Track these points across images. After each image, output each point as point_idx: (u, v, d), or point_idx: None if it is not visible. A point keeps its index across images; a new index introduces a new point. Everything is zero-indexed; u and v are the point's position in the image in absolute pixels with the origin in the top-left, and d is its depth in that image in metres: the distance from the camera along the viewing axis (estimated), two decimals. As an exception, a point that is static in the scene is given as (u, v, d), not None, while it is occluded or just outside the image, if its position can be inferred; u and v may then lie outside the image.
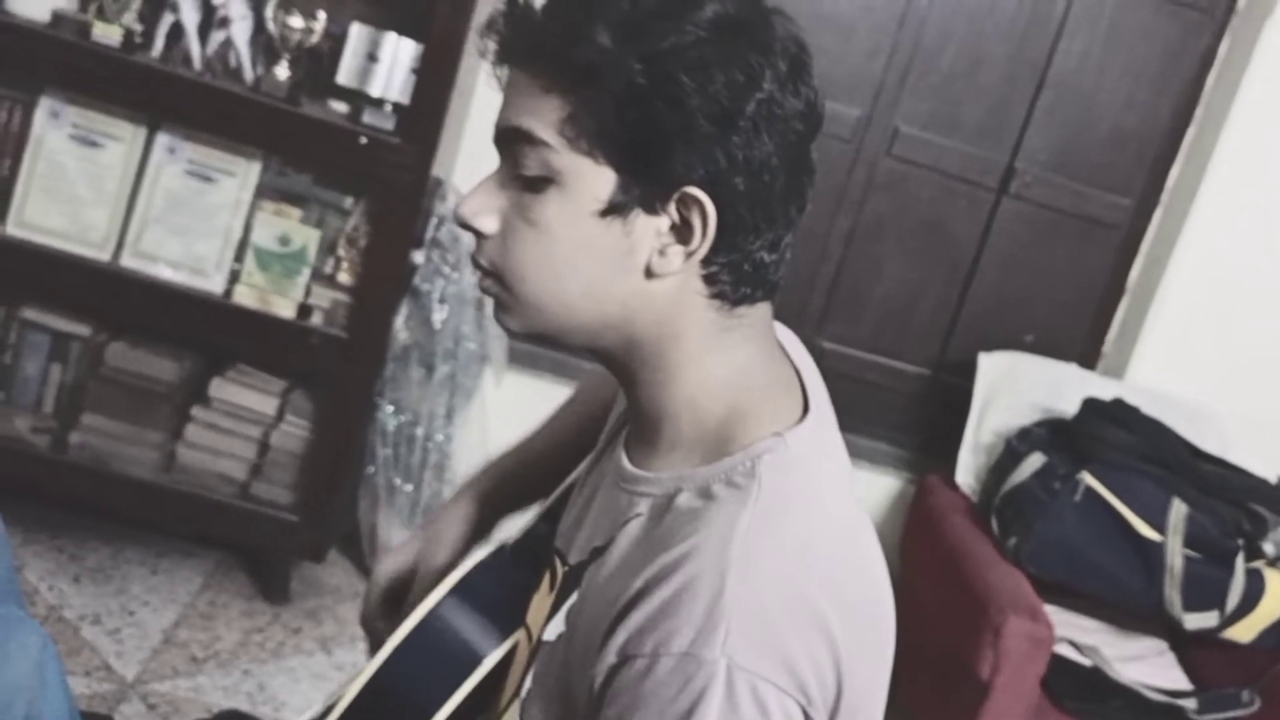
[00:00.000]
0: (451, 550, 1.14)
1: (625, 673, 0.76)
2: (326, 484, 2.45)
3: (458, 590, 0.99)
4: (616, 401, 1.06)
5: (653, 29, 0.78)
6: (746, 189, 0.80)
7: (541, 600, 0.96)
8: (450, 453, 2.65)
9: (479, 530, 1.17)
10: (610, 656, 0.77)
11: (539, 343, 0.83)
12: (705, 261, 0.82)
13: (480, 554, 1.05)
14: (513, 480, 1.20)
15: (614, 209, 0.81)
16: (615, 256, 0.82)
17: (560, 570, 0.94)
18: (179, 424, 2.44)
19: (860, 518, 0.88)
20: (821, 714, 0.77)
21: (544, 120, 0.80)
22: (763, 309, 0.88)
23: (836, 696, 0.78)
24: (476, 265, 0.87)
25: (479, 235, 0.86)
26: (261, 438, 2.45)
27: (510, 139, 0.83)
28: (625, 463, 0.90)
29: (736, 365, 0.86)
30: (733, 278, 0.83)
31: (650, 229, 0.81)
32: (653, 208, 0.81)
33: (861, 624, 0.81)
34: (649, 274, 0.82)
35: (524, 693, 0.89)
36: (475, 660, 0.95)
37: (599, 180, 0.80)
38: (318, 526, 2.45)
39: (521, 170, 0.82)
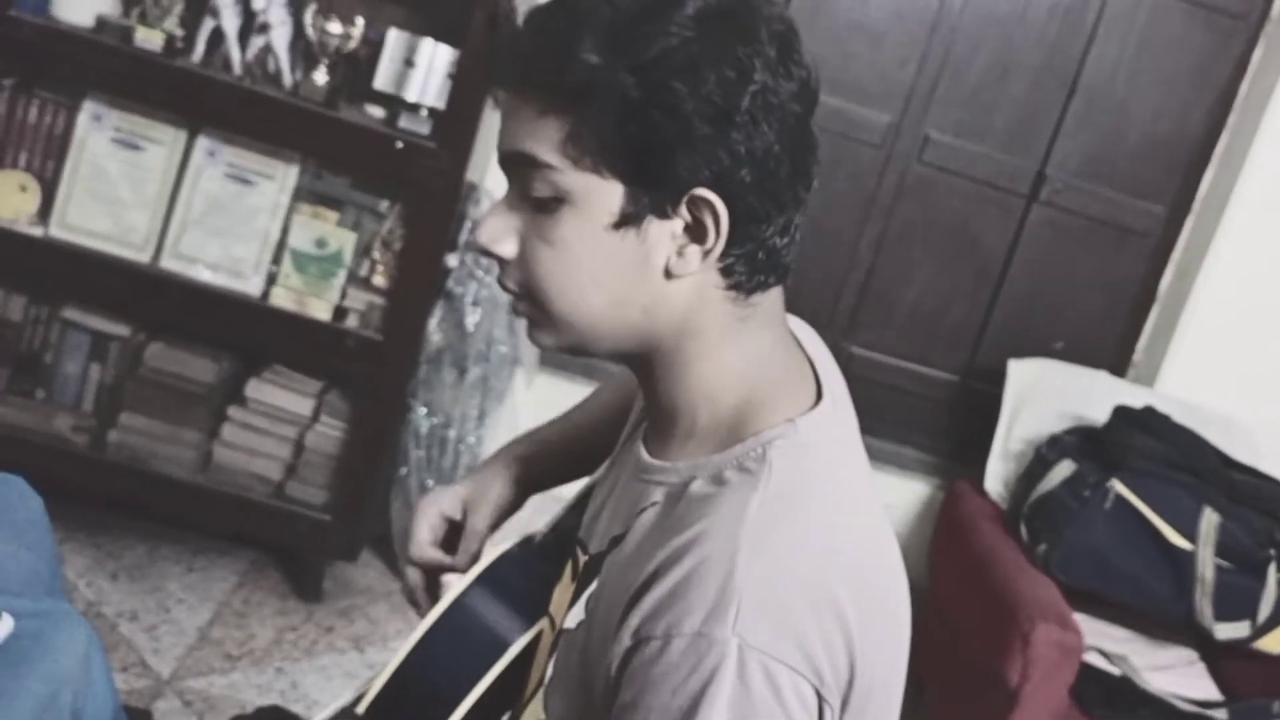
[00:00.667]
0: (495, 506, 1.16)
1: (639, 655, 0.77)
2: (360, 484, 2.47)
3: (483, 579, 1.02)
4: (636, 397, 1.07)
5: (638, 36, 0.78)
6: (753, 180, 0.81)
7: (564, 590, 0.97)
8: (482, 454, 2.67)
9: (520, 492, 1.19)
10: (625, 640, 0.78)
11: (571, 354, 0.85)
12: (722, 255, 0.84)
13: (505, 544, 1.07)
14: (553, 451, 1.22)
15: (627, 220, 0.82)
16: (634, 264, 0.83)
17: (581, 560, 0.96)
18: (216, 424, 2.47)
19: (873, 504, 0.88)
20: (834, 695, 0.77)
21: (545, 143, 0.81)
22: (775, 294, 0.89)
23: (849, 679, 0.78)
24: (504, 288, 0.88)
25: (500, 260, 0.87)
26: (297, 438, 2.48)
27: (515, 163, 0.84)
28: (643, 454, 0.91)
29: (751, 355, 0.88)
30: (748, 267, 0.84)
31: (665, 233, 0.82)
32: (664, 213, 0.82)
33: (874, 606, 0.82)
34: (668, 275, 0.84)
35: (547, 680, 0.91)
36: (502, 646, 0.97)
37: (608, 194, 0.81)
38: (351, 526, 2.48)
39: (531, 193, 0.83)
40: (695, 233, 0.83)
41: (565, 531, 1.07)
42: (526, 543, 1.10)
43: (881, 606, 0.83)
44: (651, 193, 0.81)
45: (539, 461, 1.21)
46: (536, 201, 0.83)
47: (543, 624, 0.99)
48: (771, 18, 0.82)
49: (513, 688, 0.99)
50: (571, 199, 0.82)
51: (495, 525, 1.17)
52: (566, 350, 0.89)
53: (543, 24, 0.81)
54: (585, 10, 0.79)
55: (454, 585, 1.02)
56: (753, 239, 0.83)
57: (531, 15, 0.82)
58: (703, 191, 0.80)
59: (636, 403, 1.06)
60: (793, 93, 0.82)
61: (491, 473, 1.19)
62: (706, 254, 0.83)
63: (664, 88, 0.77)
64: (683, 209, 0.82)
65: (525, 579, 1.03)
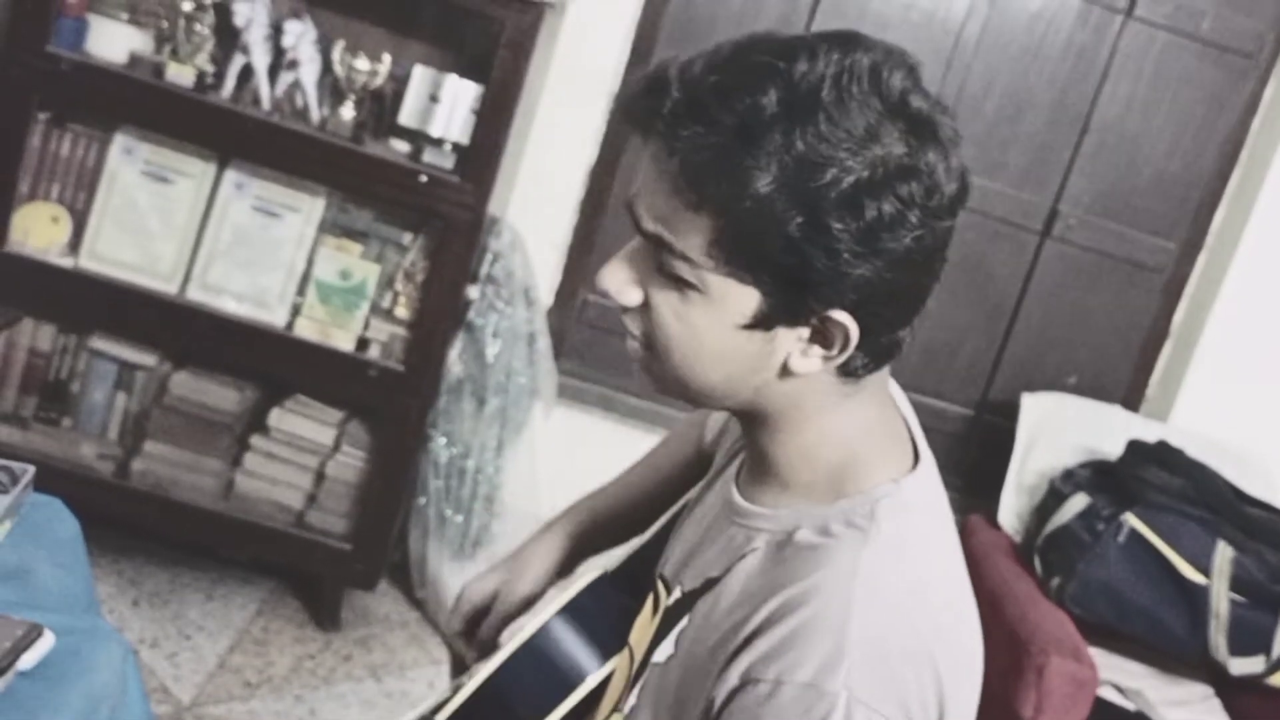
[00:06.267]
0: (534, 583, 1.19)
1: (746, 695, 0.79)
2: (380, 514, 2.50)
3: (566, 610, 1.04)
4: (726, 432, 1.10)
5: (808, 165, 0.76)
6: (891, 305, 0.81)
7: (644, 623, 1.00)
8: (500, 485, 2.70)
9: (564, 567, 1.21)
10: (732, 679, 0.81)
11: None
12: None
13: (586, 578, 1.10)
14: (601, 523, 1.24)
15: (757, 324, 0.82)
16: (756, 359, 0.84)
17: (666, 596, 0.98)
18: (238, 453, 2.51)
19: (962, 563, 0.91)
20: None
21: (692, 238, 0.80)
22: (884, 370, 0.89)
23: None
24: (626, 329, 0.89)
25: (622, 305, 0.87)
26: (318, 467, 2.51)
27: (651, 238, 0.83)
28: (737, 497, 0.93)
29: (855, 422, 0.89)
30: (866, 361, 0.85)
31: (791, 336, 0.83)
32: (795, 323, 0.82)
33: (962, 663, 0.85)
34: (786, 370, 0.84)
35: (627, 709, 0.93)
36: (579, 678, 1.00)
37: (744, 299, 0.81)
38: (371, 555, 2.50)
39: (666, 269, 0.83)
40: (822, 338, 0.83)
41: (643, 564, 1.09)
42: (602, 577, 1.12)
43: (969, 663, 0.86)
44: (788, 307, 0.81)
45: (587, 536, 1.23)
46: (670, 275, 0.83)
47: (621, 656, 1.02)
48: (939, 120, 0.80)
49: (579, 713, 1.01)
50: (706, 291, 0.81)
51: (535, 596, 1.19)
52: (672, 396, 0.90)
53: (717, 118, 0.77)
54: (765, 123, 0.76)
55: (539, 613, 1.05)
56: (877, 343, 0.84)
57: (701, 95, 0.78)
58: (837, 314, 0.80)
59: (726, 437, 1.09)
60: (947, 220, 0.80)
61: (536, 551, 1.21)
62: (828, 360, 0.83)
63: (824, 227, 0.76)
64: (814, 320, 0.82)
65: (604, 611, 1.06)
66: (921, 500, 0.88)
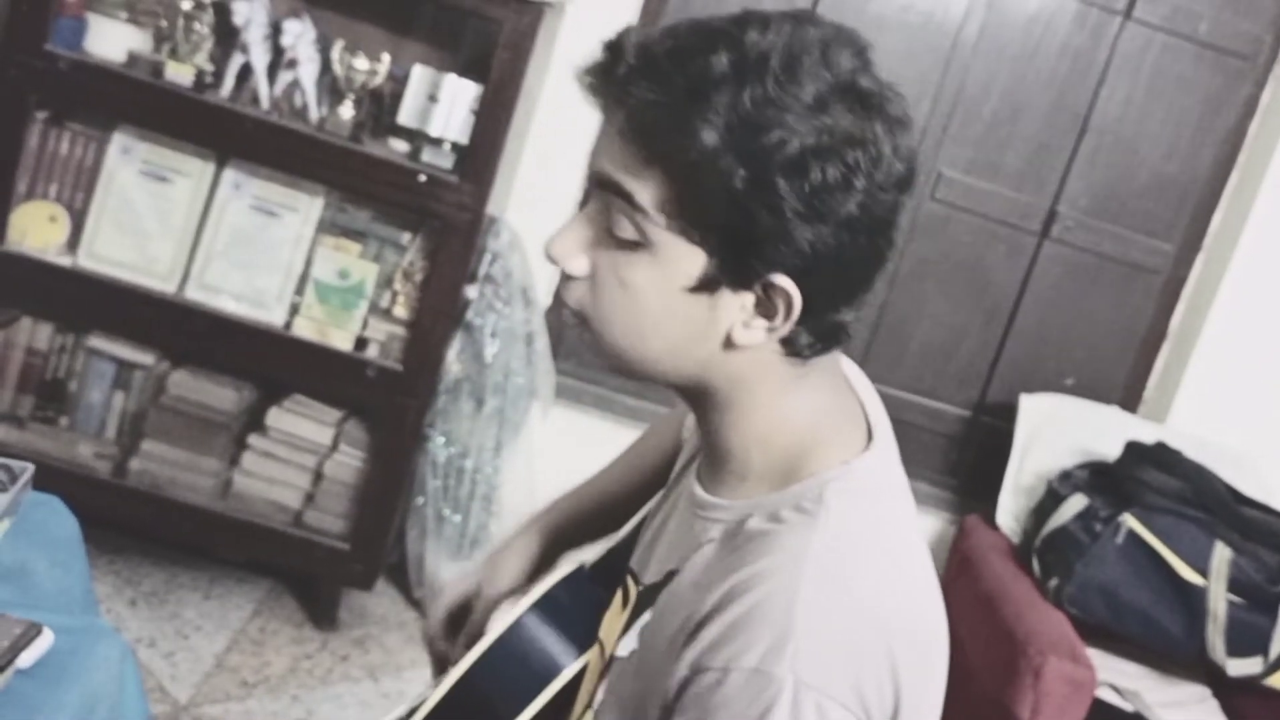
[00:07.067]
0: (512, 582, 1.19)
1: (696, 684, 0.79)
2: (378, 513, 2.50)
3: (540, 605, 1.04)
4: (691, 434, 1.09)
5: (756, 122, 0.77)
6: (835, 274, 0.82)
7: (614, 617, 1.00)
8: (497, 485, 2.70)
9: (540, 565, 1.22)
10: (683, 669, 0.80)
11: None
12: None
13: (561, 571, 1.10)
14: (578, 520, 1.25)
15: (702, 286, 0.82)
16: (699, 325, 0.84)
17: (633, 590, 0.98)
18: (236, 452, 2.50)
19: (920, 544, 0.90)
20: None
21: (644, 191, 0.81)
22: (833, 353, 0.90)
23: (894, 716, 0.80)
24: (562, 302, 0.88)
25: (566, 274, 0.87)
26: (316, 467, 2.51)
27: (608, 186, 0.83)
28: (698, 490, 0.93)
29: (806, 405, 0.89)
30: (811, 340, 0.85)
31: (735, 303, 0.83)
32: (739, 287, 0.82)
33: (919, 647, 0.83)
34: (729, 343, 0.84)
35: (596, 704, 0.93)
36: (554, 671, 1.00)
37: (690, 259, 0.81)
38: (368, 555, 2.50)
39: (615, 229, 0.83)
40: (765, 308, 0.83)
41: (617, 560, 1.10)
42: (578, 570, 1.12)
43: (926, 644, 0.85)
44: (733, 268, 0.81)
45: (563, 532, 1.24)
46: (619, 239, 0.83)
47: (592, 650, 1.01)
48: (888, 98, 0.82)
49: (560, 710, 1.01)
50: (653, 250, 0.82)
51: (511, 594, 1.20)
52: (611, 370, 0.91)
53: (668, 78, 0.79)
54: (714, 81, 0.78)
55: (512, 608, 1.05)
56: (821, 320, 0.84)
57: (655, 57, 0.80)
58: (781, 279, 0.81)
59: (690, 437, 1.09)
60: (892, 193, 0.81)
61: (512, 551, 1.22)
62: (771, 331, 0.84)
63: (769, 184, 0.77)
64: (758, 287, 0.82)
65: (578, 605, 1.06)
66: (873, 481, 0.88)
